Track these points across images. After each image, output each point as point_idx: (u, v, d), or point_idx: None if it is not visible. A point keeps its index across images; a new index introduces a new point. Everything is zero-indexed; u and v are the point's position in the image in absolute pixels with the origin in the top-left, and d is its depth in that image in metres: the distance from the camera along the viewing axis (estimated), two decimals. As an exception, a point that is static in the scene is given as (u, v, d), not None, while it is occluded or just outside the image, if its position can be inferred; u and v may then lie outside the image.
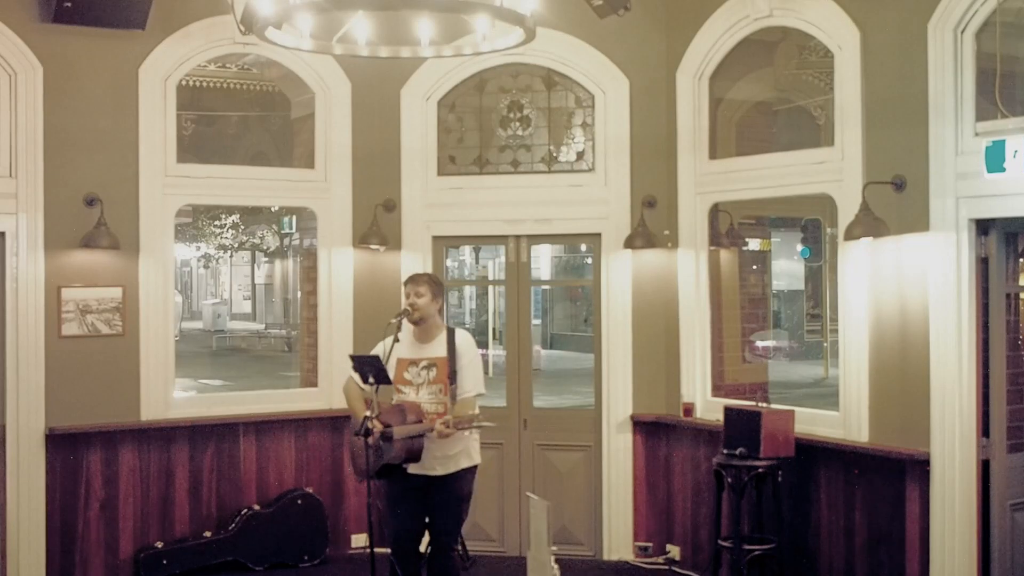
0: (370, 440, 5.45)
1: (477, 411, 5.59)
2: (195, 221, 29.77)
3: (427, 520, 5.78)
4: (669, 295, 7.45)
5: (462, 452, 5.69)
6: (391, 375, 5.61)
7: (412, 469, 5.59)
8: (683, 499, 7.37)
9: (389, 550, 5.79)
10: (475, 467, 5.80)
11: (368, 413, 5.46)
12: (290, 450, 7.56)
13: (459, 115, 7.86)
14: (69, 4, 6.60)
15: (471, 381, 5.67)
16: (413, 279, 5.82)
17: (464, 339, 5.79)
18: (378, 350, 5.78)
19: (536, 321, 25.05)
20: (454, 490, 5.70)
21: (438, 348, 5.72)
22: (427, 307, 5.69)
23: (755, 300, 8.05)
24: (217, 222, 30.68)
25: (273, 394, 8.48)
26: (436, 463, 5.62)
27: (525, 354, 7.88)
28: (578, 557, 7.44)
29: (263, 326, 33.56)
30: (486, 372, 6.10)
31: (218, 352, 26.71)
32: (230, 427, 7.37)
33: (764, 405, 6.65)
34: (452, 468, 5.67)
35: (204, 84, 10.96)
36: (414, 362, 5.71)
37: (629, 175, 7.54)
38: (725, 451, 6.50)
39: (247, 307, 39.46)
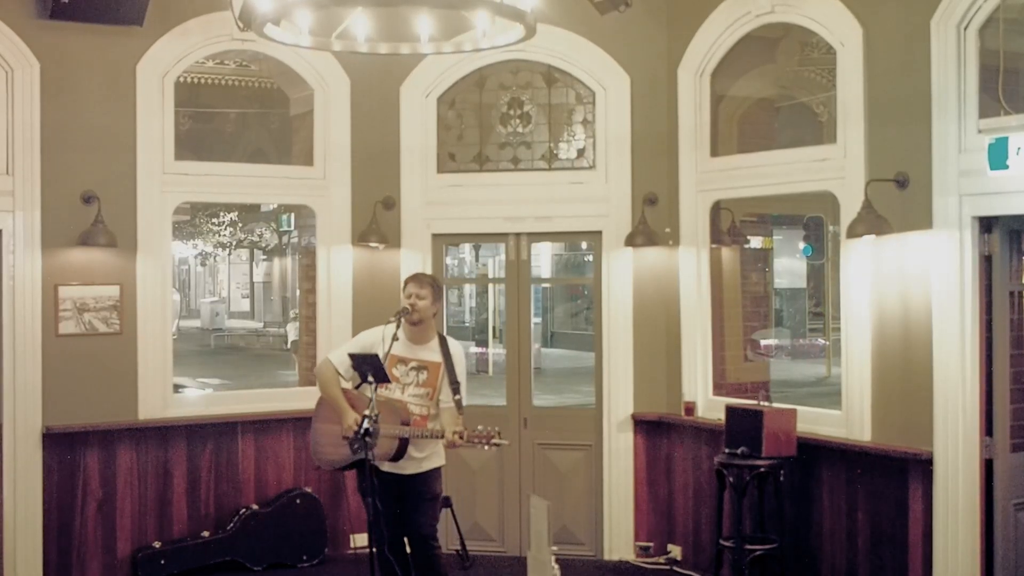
0: (369, 437, 5.41)
1: (491, 429, 5.54)
2: (193, 219, 29.74)
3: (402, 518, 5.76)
4: (670, 293, 7.42)
5: (433, 453, 5.71)
6: None
7: (385, 467, 5.57)
8: (684, 499, 7.34)
9: (373, 548, 5.73)
10: (440, 468, 5.81)
11: (367, 413, 5.42)
12: (289, 449, 7.52)
13: (459, 112, 7.82)
14: (66, 0, 6.55)
15: (463, 392, 5.68)
16: (416, 279, 5.78)
17: (457, 348, 5.81)
18: (371, 336, 5.73)
19: (536, 319, 25.01)
20: (427, 490, 5.70)
21: (431, 352, 5.71)
22: (427, 309, 5.68)
23: (757, 298, 8.03)
24: (215, 220, 30.65)
25: (272, 393, 8.45)
26: (409, 464, 5.62)
27: (525, 353, 7.84)
28: (579, 557, 7.41)
29: (262, 324, 33.54)
30: (486, 371, 6.11)
31: (216, 351, 26.68)
32: (228, 426, 7.33)
33: (766, 404, 6.61)
34: (424, 468, 5.68)
35: (202, 81, 10.92)
36: (403, 360, 5.69)
37: (630, 172, 7.50)
38: (727, 450, 6.47)
39: (245, 305, 39.43)
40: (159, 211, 7.15)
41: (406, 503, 5.68)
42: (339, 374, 5.69)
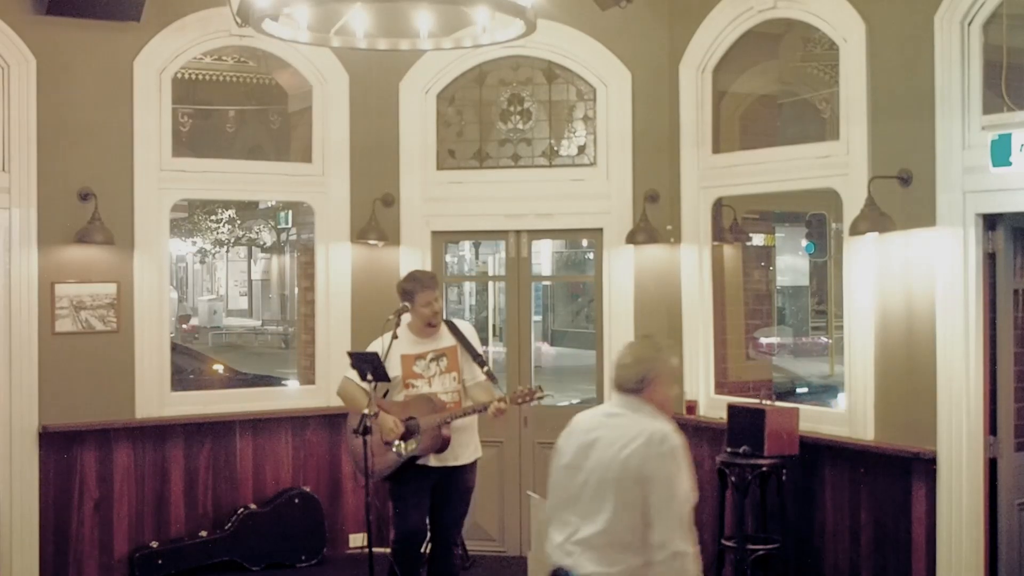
0: (368, 438, 5.39)
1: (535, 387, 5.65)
2: (191, 216, 29.63)
3: (432, 516, 5.78)
4: (672, 291, 7.37)
5: (472, 444, 5.76)
6: (398, 371, 5.64)
7: (433, 462, 5.56)
8: (685, 498, 7.29)
9: (389, 550, 5.71)
10: (479, 460, 5.87)
11: (366, 411, 5.39)
12: (287, 448, 7.48)
13: (459, 108, 7.77)
14: (63, -4, 6.52)
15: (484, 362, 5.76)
16: (432, 284, 5.75)
17: (467, 327, 5.92)
18: (375, 347, 5.74)
19: (537, 317, 24.96)
20: (465, 481, 5.75)
21: (443, 339, 5.76)
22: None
23: (759, 296, 7.99)
24: (213, 217, 30.55)
25: (270, 391, 8.41)
26: (451, 454, 5.64)
27: (525, 351, 7.80)
28: (579, 556, 7.36)
29: (260, 323, 33.46)
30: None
31: (214, 349, 26.62)
32: (226, 425, 7.29)
33: (768, 403, 6.58)
34: (466, 459, 5.72)
35: (200, 77, 10.85)
36: (421, 356, 5.73)
37: (631, 169, 7.45)
38: (728, 449, 6.43)
39: (243, 303, 39.35)
40: (156, 208, 7.10)
41: (442, 495, 5.67)
42: (361, 387, 5.66)
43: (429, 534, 5.80)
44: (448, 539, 5.75)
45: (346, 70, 7.57)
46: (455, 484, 5.68)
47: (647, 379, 3.67)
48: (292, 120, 8.31)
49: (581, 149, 7.65)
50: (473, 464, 5.77)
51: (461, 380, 5.72)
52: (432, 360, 5.72)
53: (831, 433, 6.36)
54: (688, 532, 3.51)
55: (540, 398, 5.57)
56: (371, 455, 5.58)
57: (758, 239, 8.56)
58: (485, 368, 5.70)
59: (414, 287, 5.71)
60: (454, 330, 5.77)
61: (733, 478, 6.34)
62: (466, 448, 5.69)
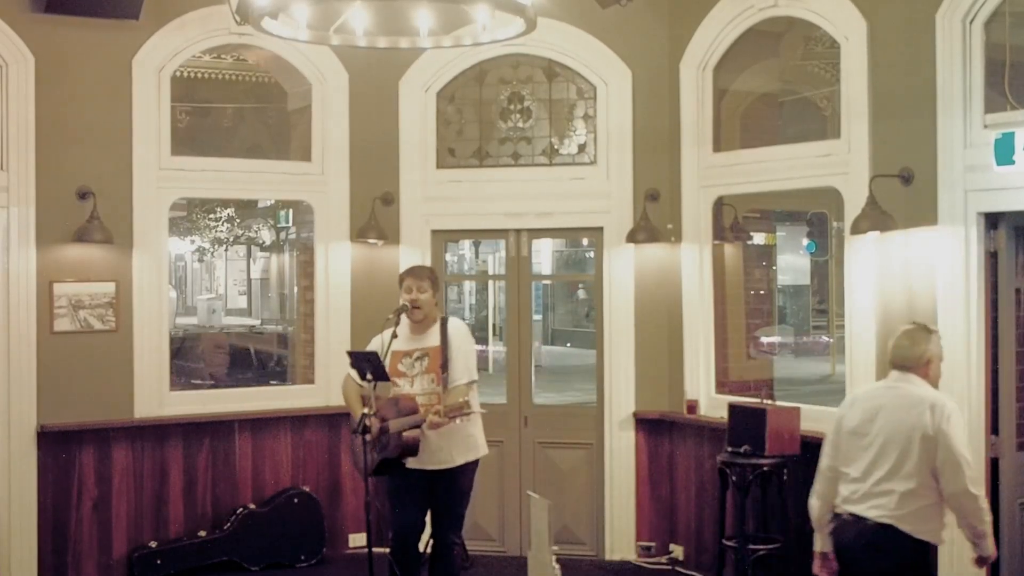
0: (368, 437, 5.37)
1: (469, 399, 5.50)
2: (189, 214, 29.60)
3: (428, 516, 5.74)
4: (672, 290, 7.36)
5: (463, 446, 5.63)
6: (387, 368, 5.56)
7: (411, 464, 5.51)
8: (687, 498, 7.28)
9: (388, 550, 5.71)
10: (476, 461, 5.75)
11: (366, 411, 5.38)
12: (286, 448, 7.46)
13: (459, 107, 7.75)
14: (61, -7, 6.50)
15: (460, 368, 5.60)
16: (414, 273, 5.72)
17: (456, 327, 5.75)
18: (375, 345, 5.72)
19: (537, 317, 24.93)
20: (454, 485, 5.65)
21: (431, 338, 5.68)
22: (428, 302, 5.64)
23: (760, 295, 7.98)
24: (212, 216, 30.52)
25: (269, 391, 8.39)
26: (434, 457, 5.55)
27: (526, 350, 7.78)
28: (580, 557, 7.36)
29: (259, 322, 33.41)
30: (486, 369, 6.14)
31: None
32: (225, 424, 7.27)
33: (769, 402, 6.56)
34: (451, 463, 5.61)
35: (199, 75, 10.85)
36: (408, 354, 5.67)
37: (632, 168, 7.44)
38: (729, 449, 6.42)
39: (243, 302, 39.31)
40: (155, 207, 7.09)
41: (435, 497, 5.64)
42: (360, 385, 5.62)
43: (430, 532, 5.78)
44: (444, 539, 5.71)
45: (345, 68, 7.55)
46: (443, 487, 5.62)
47: (924, 358, 4.47)
48: (291, 118, 8.29)
49: (581, 148, 7.64)
50: (463, 467, 5.64)
51: (440, 382, 5.59)
52: (417, 359, 5.65)
53: (832, 433, 6.34)
54: (975, 476, 4.34)
55: (468, 412, 5.39)
56: (369, 451, 5.59)
57: (759, 238, 8.55)
58: (444, 374, 5.55)
59: (402, 276, 5.77)
60: (443, 330, 5.68)
61: (734, 478, 6.33)
62: (448, 452, 5.57)
